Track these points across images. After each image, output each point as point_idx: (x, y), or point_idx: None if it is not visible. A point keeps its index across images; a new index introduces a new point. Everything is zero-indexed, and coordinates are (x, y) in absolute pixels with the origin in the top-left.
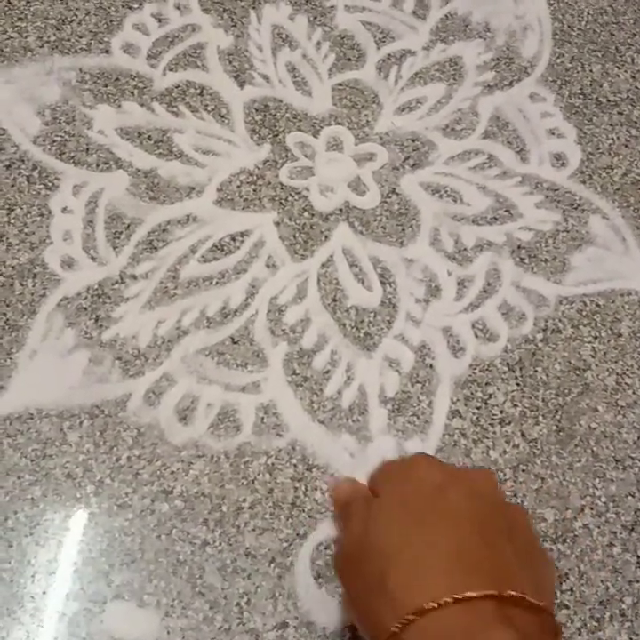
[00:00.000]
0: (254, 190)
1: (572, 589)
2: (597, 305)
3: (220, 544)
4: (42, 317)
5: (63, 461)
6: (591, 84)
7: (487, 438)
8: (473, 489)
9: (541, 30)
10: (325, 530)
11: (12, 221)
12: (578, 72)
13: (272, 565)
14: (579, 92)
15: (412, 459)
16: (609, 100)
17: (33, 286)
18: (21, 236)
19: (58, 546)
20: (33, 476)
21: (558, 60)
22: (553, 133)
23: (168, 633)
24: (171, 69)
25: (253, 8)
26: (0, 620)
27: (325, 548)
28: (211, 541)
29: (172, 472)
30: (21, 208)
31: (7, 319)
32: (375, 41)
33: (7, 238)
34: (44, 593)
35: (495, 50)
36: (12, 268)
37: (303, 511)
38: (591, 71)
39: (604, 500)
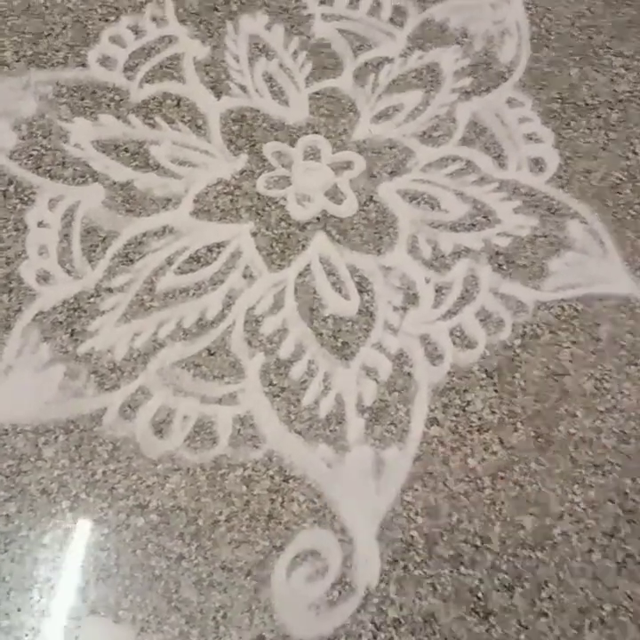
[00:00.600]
0: (231, 201)
1: (551, 597)
2: (576, 309)
3: (196, 558)
4: (17, 332)
5: (38, 477)
6: (569, 88)
7: (465, 446)
8: None
9: (519, 35)
10: (303, 541)
11: None
12: (556, 76)
13: (248, 578)
14: (557, 96)
15: None
16: (587, 104)
17: (8, 301)
18: None
19: (33, 562)
20: (8, 492)
21: (536, 65)
22: (531, 138)
23: None
24: (147, 81)
25: (230, 19)
26: None
27: (303, 560)
28: (186, 555)
29: (148, 486)
30: None
31: None
32: (352, 49)
33: None
34: (19, 610)
35: (473, 56)
36: None
37: (280, 523)
38: (569, 75)
39: (583, 505)
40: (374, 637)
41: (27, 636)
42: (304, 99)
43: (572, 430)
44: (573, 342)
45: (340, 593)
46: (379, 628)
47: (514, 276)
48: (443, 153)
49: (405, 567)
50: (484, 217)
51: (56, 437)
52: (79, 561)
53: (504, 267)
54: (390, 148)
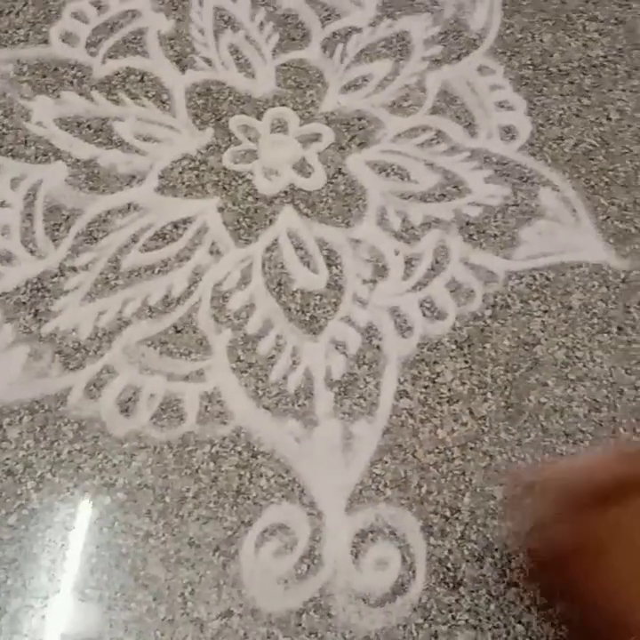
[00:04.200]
0: (197, 176)
1: (521, 567)
2: (547, 278)
3: (164, 535)
4: None
5: (3, 458)
6: (541, 55)
7: (435, 417)
8: None
9: (491, 1)
10: (271, 516)
11: None
12: (528, 42)
13: (216, 554)
14: (529, 62)
15: None
16: (560, 70)
17: None
18: None
19: None
20: None
21: (508, 31)
22: (502, 106)
23: (111, 626)
24: (110, 57)
25: None
26: None
27: (271, 535)
28: (154, 533)
29: (114, 465)
30: None
31: None
32: (320, 19)
33: None
34: None
35: (443, 23)
36: None
37: (248, 498)
38: (542, 41)
39: None
40: (343, 610)
41: None
42: (271, 71)
43: (543, 399)
44: (545, 311)
45: (308, 567)
46: (348, 600)
47: (485, 246)
48: (412, 123)
49: (374, 540)
50: (455, 187)
51: (20, 418)
52: (45, 541)
53: (474, 237)
54: (359, 118)
